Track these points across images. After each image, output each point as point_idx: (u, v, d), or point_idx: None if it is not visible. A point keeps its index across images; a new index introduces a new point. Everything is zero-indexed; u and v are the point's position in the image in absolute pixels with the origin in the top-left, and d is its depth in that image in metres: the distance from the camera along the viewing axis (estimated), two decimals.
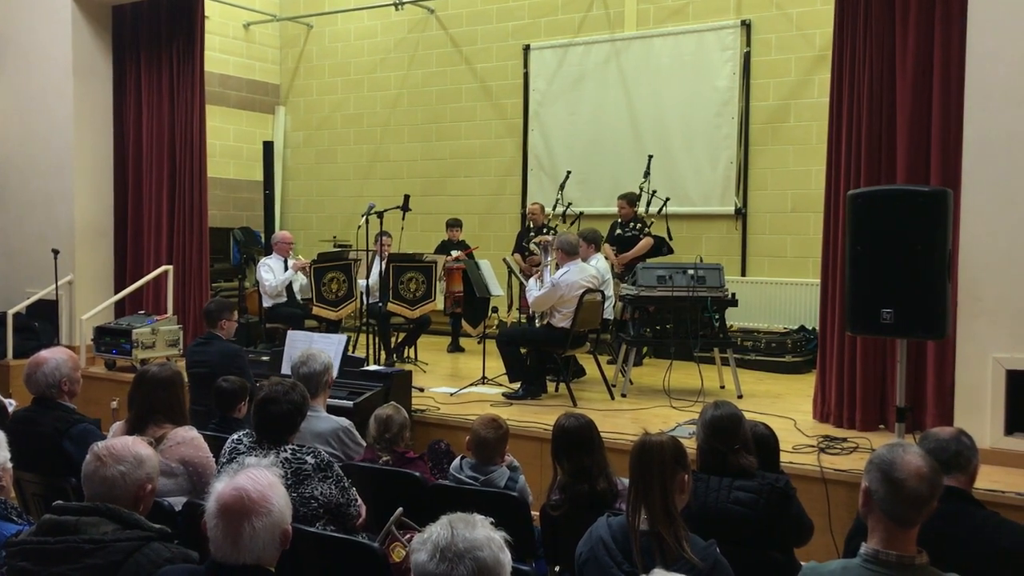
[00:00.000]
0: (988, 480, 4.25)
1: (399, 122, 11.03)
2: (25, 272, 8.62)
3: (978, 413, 4.90)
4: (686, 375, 6.93)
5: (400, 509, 3.33)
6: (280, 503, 2.22)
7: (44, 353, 4.17)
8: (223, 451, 3.61)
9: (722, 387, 6.94)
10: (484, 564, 1.82)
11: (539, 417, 5.77)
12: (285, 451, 3.43)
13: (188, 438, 3.68)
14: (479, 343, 7.48)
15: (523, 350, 6.77)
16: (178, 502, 3.42)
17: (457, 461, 3.97)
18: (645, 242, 8.04)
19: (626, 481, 2.77)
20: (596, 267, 6.99)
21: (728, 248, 8.95)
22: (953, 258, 4.67)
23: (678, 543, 2.53)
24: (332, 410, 4.60)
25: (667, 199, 8.27)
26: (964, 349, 5.06)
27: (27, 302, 8.30)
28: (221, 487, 2.21)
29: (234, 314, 5.96)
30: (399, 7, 10.55)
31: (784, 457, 4.36)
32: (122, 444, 2.63)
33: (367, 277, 8.10)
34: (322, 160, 11.68)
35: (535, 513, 3.69)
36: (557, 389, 6.79)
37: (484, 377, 7.01)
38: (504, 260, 7.81)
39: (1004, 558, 2.71)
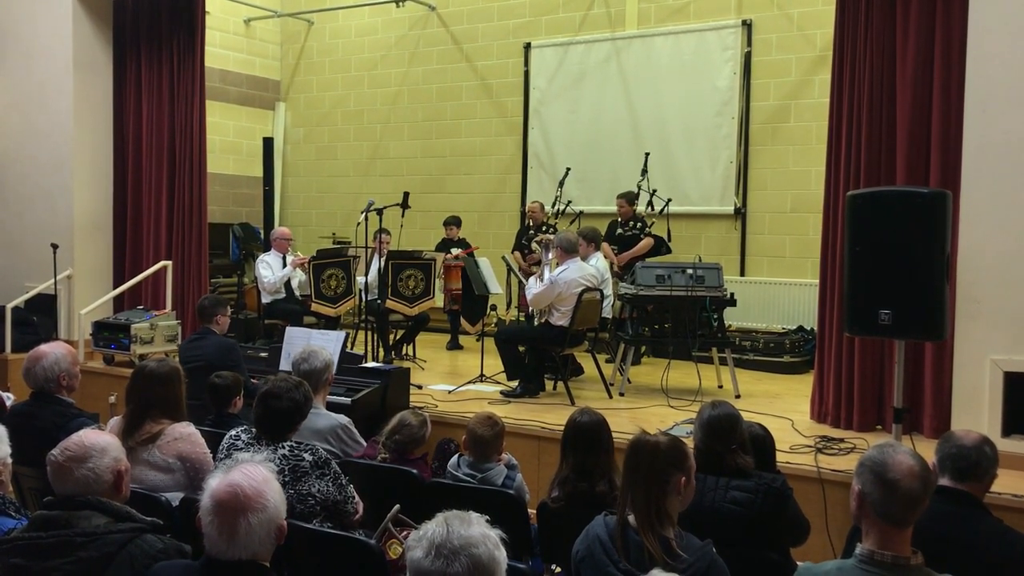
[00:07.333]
0: None
1: (399, 119, 11.03)
2: (24, 266, 8.62)
3: (976, 415, 4.91)
4: (684, 374, 6.93)
5: (397, 506, 3.33)
6: (275, 498, 2.22)
7: (43, 347, 4.17)
8: (220, 447, 3.61)
9: (720, 387, 6.96)
10: (479, 561, 1.82)
11: (537, 415, 5.78)
12: (283, 448, 3.43)
13: (185, 434, 3.69)
14: (478, 341, 7.48)
15: (521, 348, 6.78)
16: (175, 497, 3.43)
17: (454, 459, 3.98)
18: (645, 242, 8.04)
19: None
20: (595, 266, 6.99)
21: (727, 248, 8.95)
22: (952, 260, 4.68)
23: (664, 544, 2.52)
24: (330, 407, 4.61)
25: (669, 200, 8.27)
26: (962, 351, 5.07)
27: (26, 296, 8.31)
28: (215, 483, 2.21)
29: (227, 309, 5.99)
30: (400, 4, 10.53)
31: (781, 457, 4.37)
32: (77, 443, 2.57)
33: (366, 274, 8.09)
34: (322, 156, 11.68)
35: (532, 511, 3.70)
36: (555, 387, 6.79)
37: (482, 375, 7.01)
38: (503, 258, 7.81)
39: (1004, 567, 2.69)
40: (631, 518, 2.60)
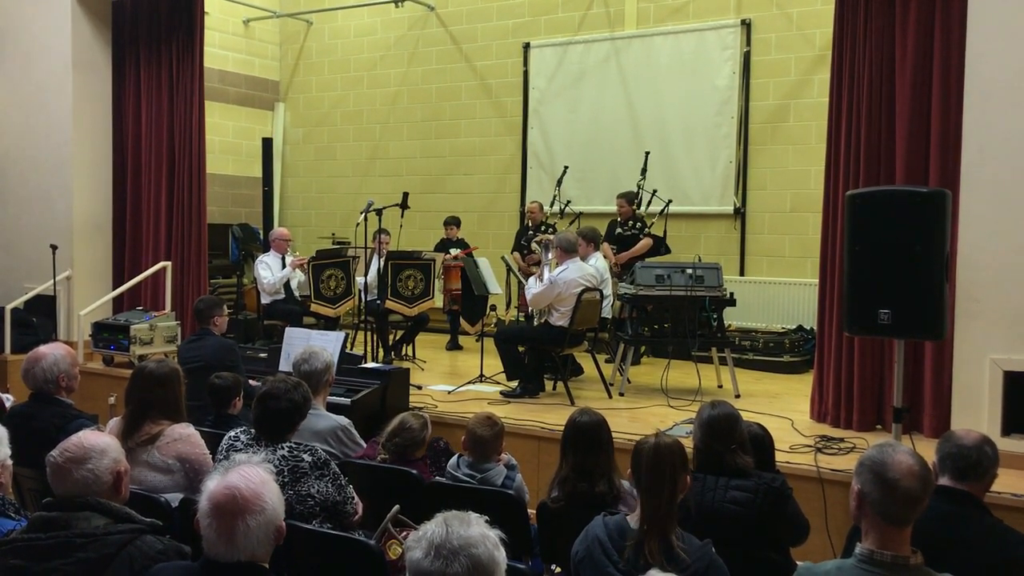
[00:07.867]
0: None
1: (398, 119, 11.02)
2: (23, 267, 8.62)
3: (975, 414, 4.90)
4: (684, 374, 6.93)
5: (396, 507, 3.33)
6: (273, 500, 2.22)
7: (42, 348, 4.17)
8: (220, 448, 3.61)
9: (720, 387, 6.96)
10: (478, 561, 1.82)
11: (536, 415, 5.77)
12: (282, 448, 3.43)
13: (185, 435, 3.69)
14: (477, 341, 7.48)
15: (521, 348, 6.77)
16: (175, 498, 3.43)
17: (454, 459, 3.98)
18: (645, 242, 8.04)
19: (626, 484, 2.78)
20: (595, 266, 6.99)
21: (727, 247, 8.95)
22: (951, 259, 4.67)
23: (668, 544, 2.53)
24: (330, 407, 4.61)
25: (669, 201, 8.27)
26: (962, 350, 5.07)
27: (25, 297, 8.31)
28: (213, 486, 2.20)
29: (224, 310, 5.98)
30: (399, 4, 10.53)
31: (781, 457, 4.37)
32: (76, 444, 2.57)
33: (365, 274, 8.09)
34: (321, 157, 11.67)
35: (532, 511, 3.69)
36: (555, 388, 6.79)
37: (482, 375, 7.01)
38: (503, 258, 7.81)
39: (1004, 567, 2.68)
40: (631, 519, 2.60)
